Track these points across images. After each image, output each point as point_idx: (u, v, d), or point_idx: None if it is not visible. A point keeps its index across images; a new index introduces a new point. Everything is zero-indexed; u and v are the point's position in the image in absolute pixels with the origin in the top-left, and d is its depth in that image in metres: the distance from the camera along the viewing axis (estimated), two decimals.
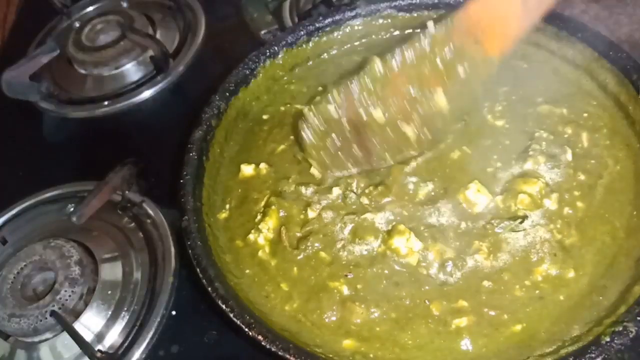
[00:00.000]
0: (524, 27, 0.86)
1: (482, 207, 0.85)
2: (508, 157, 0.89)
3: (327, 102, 0.86)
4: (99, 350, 0.93)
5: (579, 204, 0.84)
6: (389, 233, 0.84)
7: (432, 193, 0.87)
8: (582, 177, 0.86)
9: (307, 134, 0.88)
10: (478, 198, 0.85)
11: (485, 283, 0.79)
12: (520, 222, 0.82)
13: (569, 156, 0.88)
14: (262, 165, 0.97)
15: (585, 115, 0.93)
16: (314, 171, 0.93)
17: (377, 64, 0.85)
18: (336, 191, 0.90)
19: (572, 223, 0.83)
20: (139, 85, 1.35)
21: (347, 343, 0.78)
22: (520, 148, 0.90)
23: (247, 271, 0.87)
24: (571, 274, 0.79)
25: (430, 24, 0.85)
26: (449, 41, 0.84)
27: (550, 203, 0.84)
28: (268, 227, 0.89)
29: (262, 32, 1.35)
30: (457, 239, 0.83)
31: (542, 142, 0.89)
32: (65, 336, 0.94)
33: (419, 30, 0.85)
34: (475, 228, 0.83)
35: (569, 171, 0.87)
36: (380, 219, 0.86)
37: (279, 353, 0.72)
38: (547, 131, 0.91)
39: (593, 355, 0.68)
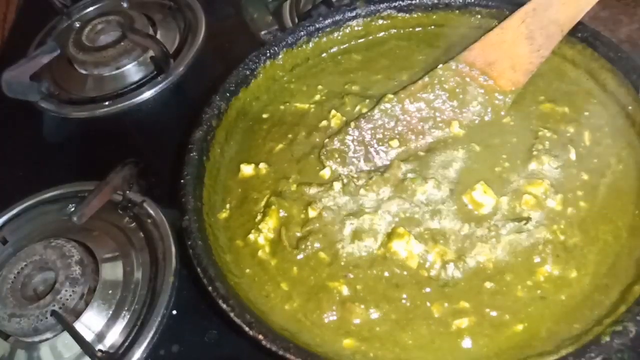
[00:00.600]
0: (534, 63, 0.92)
1: (489, 209, 0.84)
2: (515, 157, 0.89)
3: (346, 134, 0.95)
4: (100, 350, 0.93)
5: (582, 203, 0.84)
6: (389, 236, 0.83)
7: (436, 193, 0.87)
8: (585, 176, 0.86)
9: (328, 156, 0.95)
10: (485, 199, 0.84)
11: (487, 284, 0.79)
12: (525, 224, 0.82)
13: (572, 156, 0.88)
14: (262, 165, 0.97)
15: (587, 114, 0.93)
16: (325, 172, 0.93)
17: (391, 100, 0.95)
18: (337, 186, 0.90)
19: (575, 223, 0.82)
20: (140, 86, 1.36)
21: (347, 343, 0.78)
22: (526, 147, 0.90)
23: (247, 271, 0.87)
24: (573, 274, 0.78)
25: (440, 65, 0.96)
26: (457, 78, 0.95)
27: (555, 204, 0.84)
28: (268, 227, 0.89)
29: (262, 32, 1.35)
30: (459, 241, 0.82)
31: (545, 141, 0.89)
32: (65, 336, 0.94)
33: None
34: (479, 230, 0.82)
35: (572, 171, 0.87)
36: (379, 221, 0.85)
37: (279, 352, 0.72)
38: (550, 130, 0.91)
39: (593, 355, 0.68)
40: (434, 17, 1.11)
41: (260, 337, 0.74)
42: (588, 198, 0.85)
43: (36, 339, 0.96)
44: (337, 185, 0.90)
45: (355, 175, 0.91)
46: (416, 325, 0.77)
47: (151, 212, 1.08)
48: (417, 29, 1.13)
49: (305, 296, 0.82)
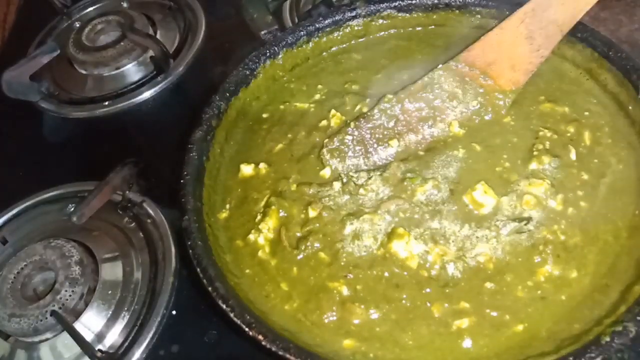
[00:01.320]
0: (534, 63, 0.92)
1: (489, 209, 0.84)
2: (515, 156, 0.89)
3: (346, 134, 0.95)
4: (100, 350, 0.93)
5: (582, 203, 0.84)
6: (389, 236, 0.83)
7: (436, 193, 0.87)
8: (585, 176, 0.86)
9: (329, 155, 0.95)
10: (485, 200, 0.84)
11: (488, 284, 0.79)
12: (525, 224, 0.82)
13: (572, 156, 0.88)
14: (262, 165, 0.97)
15: (587, 113, 0.93)
16: (325, 172, 0.93)
17: (391, 100, 0.95)
18: (337, 185, 0.90)
19: (576, 223, 0.82)
20: (140, 86, 1.36)
21: (347, 343, 0.78)
22: (526, 146, 0.90)
23: (247, 271, 0.87)
24: (574, 274, 0.78)
25: (439, 65, 0.96)
26: (457, 78, 0.95)
27: (555, 204, 0.84)
28: (268, 227, 0.89)
29: (262, 32, 1.35)
30: (459, 241, 0.82)
31: (546, 141, 0.89)
32: (65, 336, 0.94)
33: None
34: (480, 230, 0.82)
35: (572, 171, 0.87)
36: (379, 221, 0.85)
37: (279, 353, 0.72)
38: (550, 130, 0.91)
39: (593, 355, 0.68)
40: (434, 17, 1.11)
41: (260, 337, 0.74)
42: (588, 198, 0.85)
43: (36, 339, 0.96)
44: (337, 185, 0.90)
45: (355, 175, 0.91)
46: (416, 325, 0.77)
47: (151, 212, 1.08)
48: (417, 29, 1.13)
49: (305, 296, 0.82)
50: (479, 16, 1.07)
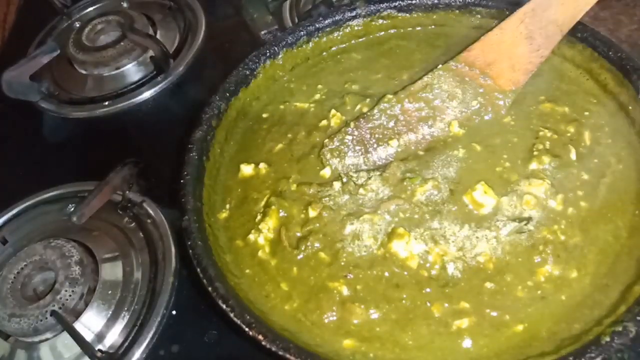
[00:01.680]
0: (534, 63, 0.92)
1: (489, 209, 0.84)
2: (515, 156, 0.89)
3: (346, 134, 0.95)
4: (100, 350, 0.93)
5: (583, 203, 0.84)
6: (389, 236, 0.83)
7: (436, 193, 0.87)
8: (585, 176, 0.86)
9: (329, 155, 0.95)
10: (485, 200, 0.84)
11: (488, 284, 0.79)
12: (525, 224, 0.82)
13: (573, 155, 0.88)
14: (262, 165, 0.97)
15: (587, 113, 0.93)
16: (325, 172, 0.94)
17: (391, 100, 0.96)
18: (337, 185, 0.90)
19: (576, 223, 0.82)
20: (140, 86, 1.36)
21: (347, 343, 0.78)
22: (526, 146, 0.90)
23: (247, 271, 0.87)
24: (574, 274, 0.79)
25: (439, 66, 0.97)
26: (457, 78, 0.95)
27: (555, 204, 0.84)
28: (268, 227, 0.89)
29: (262, 32, 1.35)
30: (460, 241, 0.82)
31: (546, 141, 0.90)
32: (65, 336, 0.94)
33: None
34: (480, 230, 0.82)
35: (572, 171, 0.87)
36: (379, 221, 0.85)
37: (279, 353, 0.72)
38: (550, 130, 0.91)
39: (593, 355, 0.68)
40: (434, 17, 1.11)
41: (260, 337, 0.74)
42: (588, 198, 0.85)
43: (36, 339, 0.96)
44: (337, 185, 0.90)
45: (355, 175, 0.91)
46: (416, 325, 0.77)
47: (151, 212, 1.08)
48: (417, 29, 1.13)
49: (305, 296, 0.82)
50: (479, 16, 1.07)
